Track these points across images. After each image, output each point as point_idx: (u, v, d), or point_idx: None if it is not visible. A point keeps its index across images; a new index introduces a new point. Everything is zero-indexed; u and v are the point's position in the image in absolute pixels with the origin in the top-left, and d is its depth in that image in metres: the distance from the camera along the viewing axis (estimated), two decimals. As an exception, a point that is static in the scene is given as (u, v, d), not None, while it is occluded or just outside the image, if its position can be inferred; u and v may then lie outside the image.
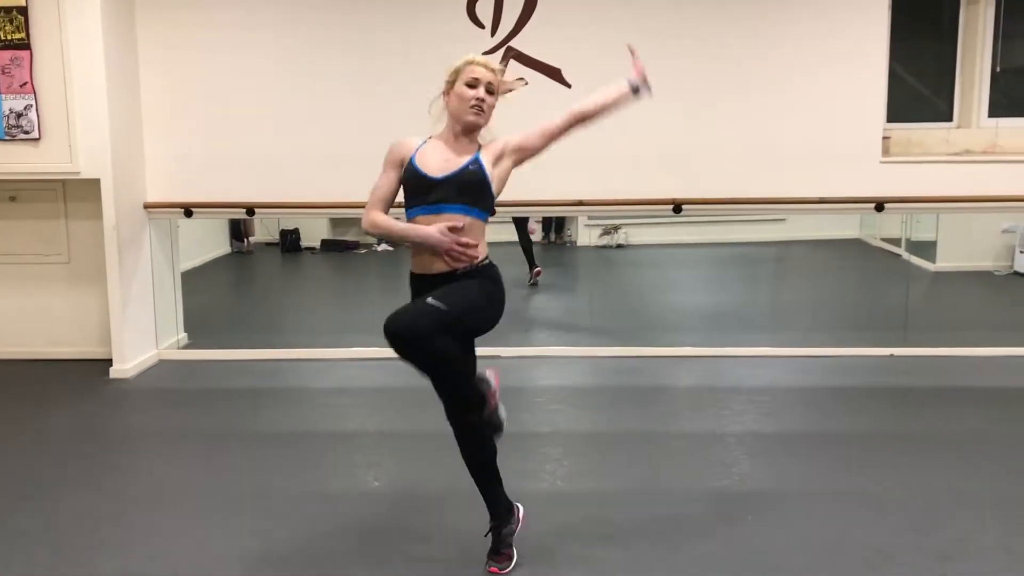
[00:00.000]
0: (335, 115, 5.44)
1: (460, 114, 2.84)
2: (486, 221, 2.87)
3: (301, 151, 5.46)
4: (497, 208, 2.95)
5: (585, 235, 11.35)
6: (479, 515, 3.41)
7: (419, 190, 2.79)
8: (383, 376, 5.42)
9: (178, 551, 3.16)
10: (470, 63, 2.86)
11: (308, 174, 5.47)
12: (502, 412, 2.96)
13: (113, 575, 2.94)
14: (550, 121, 2.91)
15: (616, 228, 11.00)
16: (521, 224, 8.77)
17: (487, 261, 2.87)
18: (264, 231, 11.40)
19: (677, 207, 5.39)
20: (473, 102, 2.80)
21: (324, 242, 11.21)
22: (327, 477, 3.85)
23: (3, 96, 5.08)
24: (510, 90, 2.94)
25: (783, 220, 10.43)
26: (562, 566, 3.06)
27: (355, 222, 11.23)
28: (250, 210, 5.58)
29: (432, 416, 4.64)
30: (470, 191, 2.79)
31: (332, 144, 5.44)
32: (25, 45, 5.02)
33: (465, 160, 2.81)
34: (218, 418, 4.66)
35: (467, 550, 3.15)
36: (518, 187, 5.39)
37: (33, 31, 5.01)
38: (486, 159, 2.84)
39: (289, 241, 11.08)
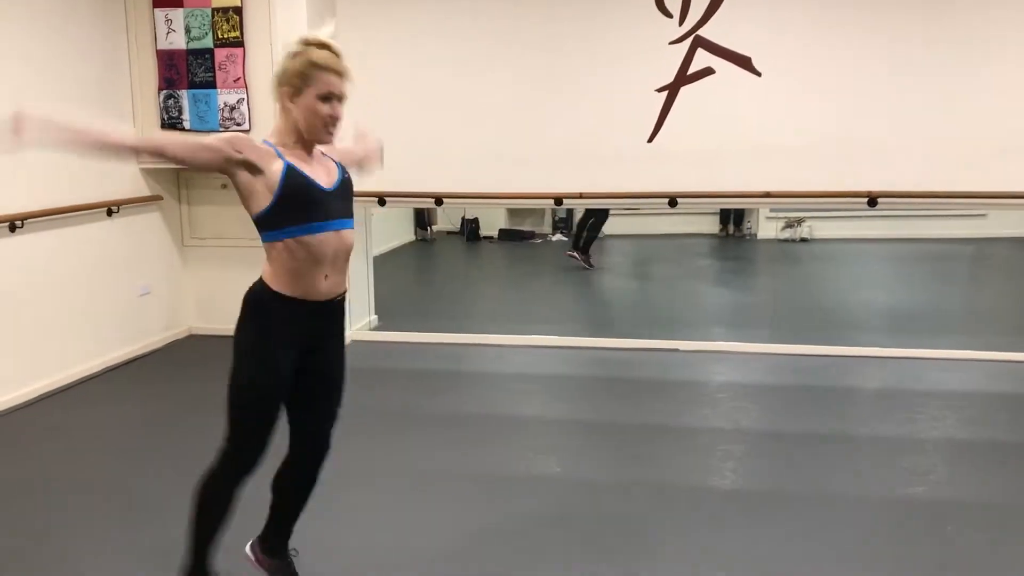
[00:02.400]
0: (518, 108, 5.54)
1: (311, 131, 2.36)
2: None
3: (485, 144, 5.60)
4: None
5: (766, 228, 11.05)
6: (663, 504, 3.43)
7: (313, 204, 2.35)
8: (559, 364, 5.51)
9: (365, 526, 3.34)
10: (322, 68, 2.32)
11: (491, 166, 5.60)
12: None
13: (310, 543, 3.14)
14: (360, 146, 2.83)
15: (800, 221, 10.65)
16: (601, 217, 8.70)
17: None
18: (446, 220, 11.77)
19: (872, 200, 5.16)
20: (328, 121, 2.36)
21: (502, 231, 11.45)
22: (509, 460, 3.95)
23: (219, 90, 5.49)
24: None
25: (983, 216, 9.81)
26: (741, 568, 3.01)
27: (531, 212, 11.43)
28: (439, 200, 5.78)
29: (610, 405, 4.70)
30: (351, 202, 2.49)
31: (514, 138, 5.54)
32: (239, 43, 5.40)
33: (335, 166, 2.49)
34: (406, 398, 4.87)
35: (649, 536, 3.17)
36: (699, 177, 5.37)
37: (247, 30, 5.38)
38: (346, 164, 2.58)
39: (469, 230, 11.39)
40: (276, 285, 2.38)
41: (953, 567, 2.98)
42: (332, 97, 2.34)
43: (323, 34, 2.48)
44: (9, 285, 4.70)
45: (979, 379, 5.06)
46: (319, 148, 2.48)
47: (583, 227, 8.97)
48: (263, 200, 2.32)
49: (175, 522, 3.33)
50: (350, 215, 2.47)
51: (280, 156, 2.35)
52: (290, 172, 2.32)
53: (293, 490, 2.70)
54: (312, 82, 2.32)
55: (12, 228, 4.65)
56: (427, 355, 5.72)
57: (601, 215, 8.90)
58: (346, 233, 2.44)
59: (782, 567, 2.99)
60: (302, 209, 2.33)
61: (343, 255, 2.45)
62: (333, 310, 2.49)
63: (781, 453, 4.03)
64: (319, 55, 2.34)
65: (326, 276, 2.40)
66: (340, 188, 2.44)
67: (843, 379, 5.10)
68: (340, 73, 2.35)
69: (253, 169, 2.31)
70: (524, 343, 5.91)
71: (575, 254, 8.93)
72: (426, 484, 3.70)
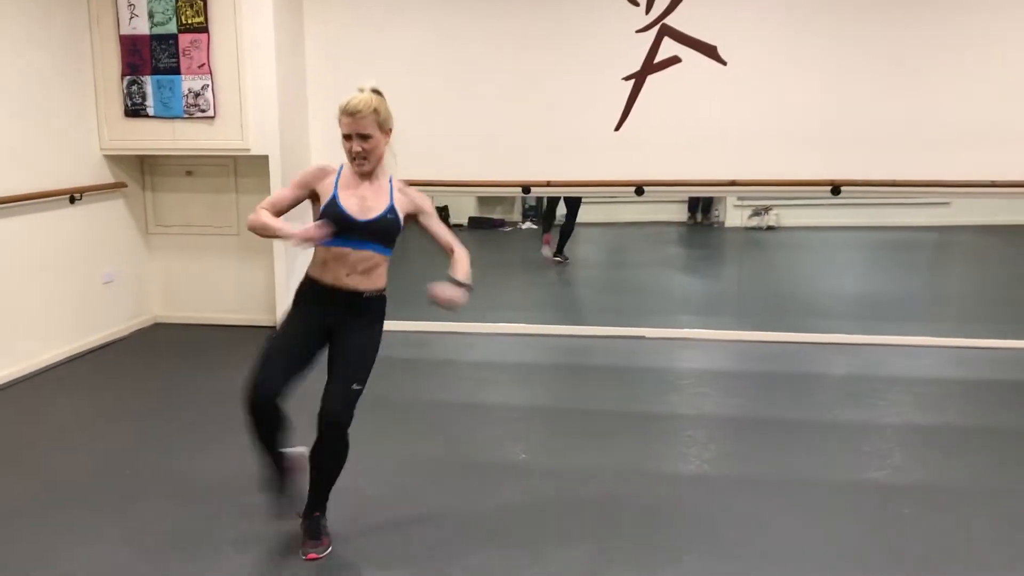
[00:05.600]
0: (485, 96, 5.54)
1: (353, 169, 2.92)
2: (391, 255, 3.02)
3: (453, 132, 5.60)
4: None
5: (734, 216, 11.12)
6: (627, 489, 3.46)
7: (341, 227, 2.85)
8: (526, 352, 5.53)
9: (333, 507, 3.34)
10: (341, 112, 2.85)
11: (460, 154, 5.60)
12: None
13: (276, 529, 3.14)
14: (443, 230, 3.06)
15: (767, 209, 10.73)
16: (573, 207, 8.58)
17: (385, 292, 3.03)
18: (414, 208, 11.73)
19: (836, 188, 5.22)
20: (353, 154, 2.87)
21: (471, 219, 11.44)
22: (475, 448, 3.97)
23: (183, 76, 5.43)
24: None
25: (947, 204, 9.91)
26: (703, 551, 3.06)
27: (500, 201, 11.42)
28: (405, 187, 5.75)
29: (576, 393, 4.73)
30: (385, 236, 2.92)
31: (482, 125, 5.55)
32: (203, 28, 5.34)
33: (383, 208, 2.91)
34: (372, 386, 4.85)
35: (614, 521, 3.20)
36: (665, 165, 5.40)
37: (211, 15, 5.33)
38: (400, 208, 2.95)
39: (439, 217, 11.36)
40: (310, 269, 2.97)
41: (911, 549, 3.04)
42: (350, 136, 2.84)
43: (368, 84, 2.91)
44: (-31, 273, 4.64)
45: (940, 365, 5.16)
46: (393, 182, 2.99)
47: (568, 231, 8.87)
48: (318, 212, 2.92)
49: (141, 507, 3.33)
50: (376, 243, 2.91)
51: (336, 184, 2.90)
52: (330, 202, 2.87)
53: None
54: (340, 125, 2.85)
55: (-29, 215, 4.59)
56: (397, 343, 5.68)
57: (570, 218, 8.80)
58: (363, 253, 2.89)
59: (744, 550, 3.03)
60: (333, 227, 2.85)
61: (359, 265, 2.90)
62: (355, 299, 2.92)
63: (744, 438, 4.08)
64: (341, 102, 2.84)
65: (347, 274, 2.89)
66: (374, 222, 2.87)
67: (807, 366, 5.17)
68: (351, 114, 2.81)
69: (318, 197, 2.93)
70: (491, 331, 5.92)
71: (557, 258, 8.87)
72: (392, 470, 3.70)
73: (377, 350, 3.01)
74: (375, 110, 2.84)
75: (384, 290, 3.01)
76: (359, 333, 2.95)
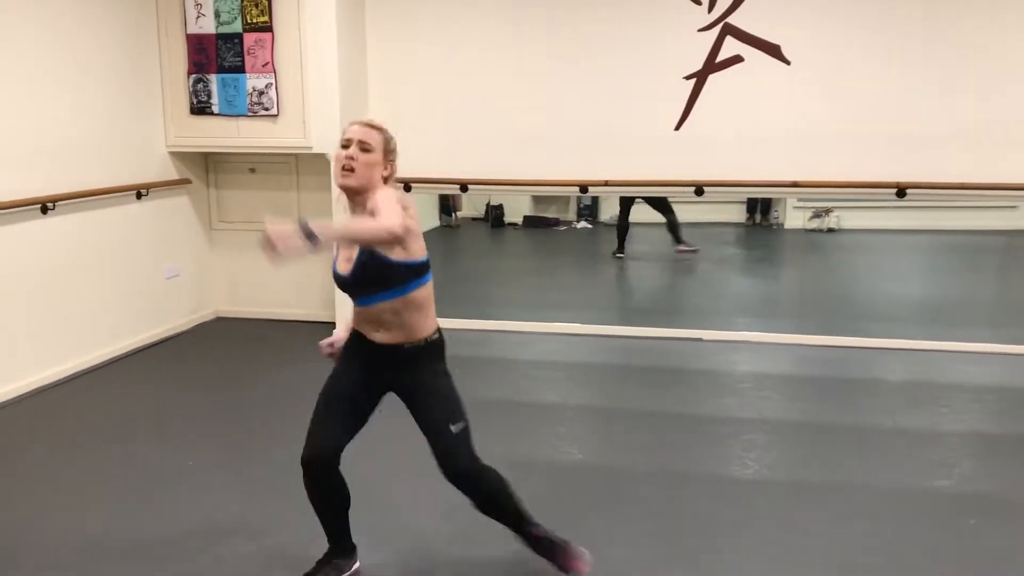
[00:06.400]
0: (545, 95, 5.53)
1: (336, 179, 2.58)
2: (423, 285, 2.63)
3: (511, 131, 5.59)
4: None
5: (793, 217, 10.97)
6: (686, 492, 3.43)
7: (342, 288, 2.67)
8: (582, 352, 5.52)
9: (389, 504, 3.37)
10: (349, 124, 2.62)
11: (518, 153, 5.60)
12: None
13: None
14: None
15: (828, 211, 10.57)
16: (626, 205, 8.56)
17: (435, 337, 2.71)
18: (471, 207, 11.78)
19: (901, 191, 5.11)
20: (343, 161, 2.53)
21: (526, 218, 11.44)
22: (532, 447, 3.97)
23: (247, 75, 5.52)
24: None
25: (1014, 208, 9.67)
26: (764, 557, 3.02)
27: (555, 199, 11.41)
28: (464, 186, 5.79)
29: (632, 394, 4.71)
30: (379, 281, 2.55)
31: (540, 124, 5.54)
32: (268, 28, 5.42)
33: (355, 252, 2.55)
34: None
35: (673, 525, 3.18)
36: (726, 166, 5.34)
37: (275, 14, 5.41)
38: None
39: (494, 216, 11.38)
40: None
41: (975, 561, 2.97)
42: (349, 144, 2.55)
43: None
44: (41, 266, 4.77)
45: (1006, 372, 5.02)
46: None
47: (623, 229, 8.88)
48: None
49: (200, 499, 3.40)
50: (374, 293, 2.57)
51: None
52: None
53: None
54: (341, 138, 2.60)
55: (44, 210, 4.72)
56: (452, 341, 5.72)
57: (624, 212, 8.82)
58: (373, 308, 2.59)
59: (803, 557, 2.99)
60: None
61: (379, 318, 2.60)
62: (395, 355, 2.65)
63: (804, 444, 4.02)
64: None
65: (375, 330, 2.62)
66: (356, 273, 2.56)
67: (868, 371, 5.07)
68: (358, 123, 2.60)
69: None
70: (548, 330, 5.91)
71: (681, 247, 8.86)
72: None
73: (453, 387, 2.75)
74: (386, 136, 2.60)
75: (428, 338, 2.68)
76: (427, 389, 2.72)
